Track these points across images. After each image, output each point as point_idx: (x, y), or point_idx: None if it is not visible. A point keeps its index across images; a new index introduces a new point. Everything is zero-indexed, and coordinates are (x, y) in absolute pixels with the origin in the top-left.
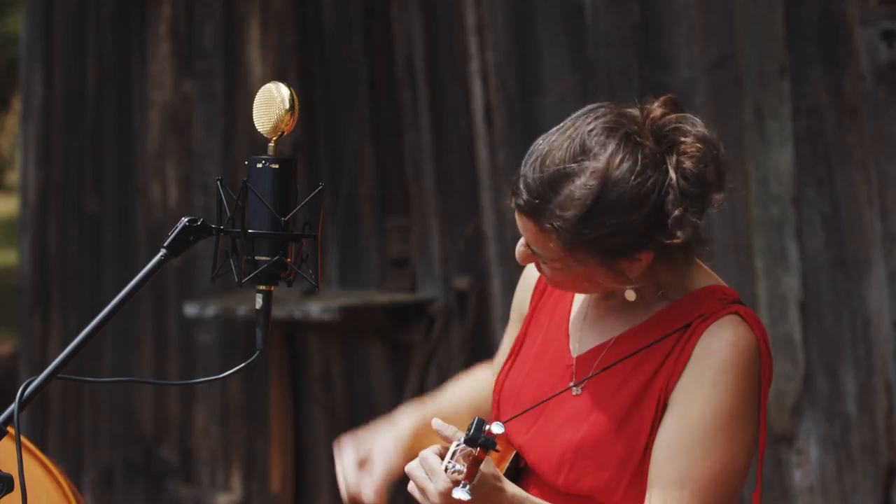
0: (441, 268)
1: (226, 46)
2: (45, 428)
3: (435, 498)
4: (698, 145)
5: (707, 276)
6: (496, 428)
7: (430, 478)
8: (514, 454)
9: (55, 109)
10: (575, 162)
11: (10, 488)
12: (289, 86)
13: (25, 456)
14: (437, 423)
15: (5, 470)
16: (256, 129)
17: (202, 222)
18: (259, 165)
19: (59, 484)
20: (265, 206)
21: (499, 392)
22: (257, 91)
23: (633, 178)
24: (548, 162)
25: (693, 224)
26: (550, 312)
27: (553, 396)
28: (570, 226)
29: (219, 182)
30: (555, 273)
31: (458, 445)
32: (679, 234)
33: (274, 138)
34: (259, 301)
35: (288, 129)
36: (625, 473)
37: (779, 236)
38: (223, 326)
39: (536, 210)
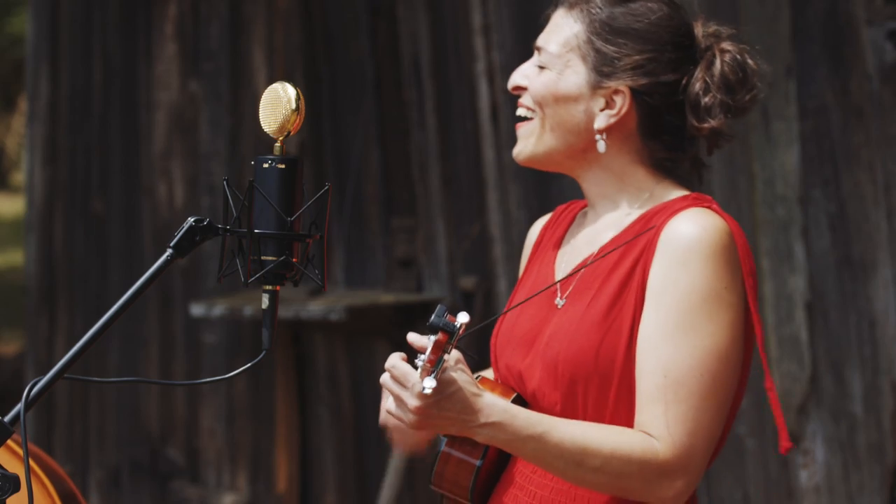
0: (447, 268)
1: (232, 47)
2: (51, 428)
3: (411, 401)
4: (736, 54)
5: (688, 192)
6: (461, 316)
7: (402, 384)
8: (514, 396)
9: (61, 110)
10: None
11: (16, 488)
12: (295, 86)
13: (9, 457)
14: (411, 336)
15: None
16: (263, 130)
17: (208, 222)
18: (265, 165)
19: (44, 487)
20: (271, 206)
21: (494, 342)
22: (263, 91)
23: (660, 19)
24: None
25: (721, 118)
26: (541, 259)
27: (534, 295)
28: (598, 9)
29: (225, 182)
30: (532, 86)
31: (428, 343)
32: (710, 120)
33: (280, 138)
34: (265, 301)
35: (294, 130)
36: (611, 375)
37: (785, 237)
38: (229, 326)
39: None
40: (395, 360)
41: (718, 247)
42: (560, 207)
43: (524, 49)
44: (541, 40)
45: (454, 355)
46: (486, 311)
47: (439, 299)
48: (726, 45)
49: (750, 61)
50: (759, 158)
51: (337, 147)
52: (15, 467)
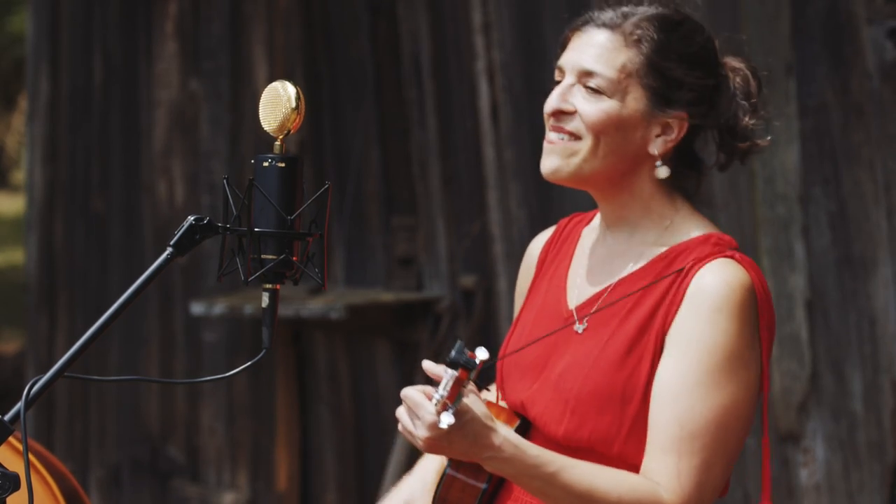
0: (447, 266)
1: (232, 45)
2: (51, 426)
3: (423, 432)
4: (744, 70)
5: (706, 225)
6: (480, 352)
7: (416, 413)
8: (517, 424)
9: (61, 108)
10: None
11: (16, 487)
12: (295, 84)
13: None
14: (426, 364)
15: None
16: (263, 128)
17: (208, 221)
18: (265, 164)
19: (48, 486)
20: (271, 204)
21: (501, 364)
22: (263, 90)
23: (705, 41)
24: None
25: (761, 135)
26: (550, 277)
27: (550, 334)
28: (653, 34)
29: (225, 181)
30: (591, 115)
31: (445, 376)
32: (753, 139)
33: (280, 137)
34: (265, 300)
35: (294, 128)
36: (624, 419)
37: (785, 235)
38: (229, 325)
39: (621, 22)
40: (411, 391)
41: (743, 306)
42: (563, 222)
43: (524, 48)
44: (585, 63)
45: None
46: (487, 310)
47: (439, 298)
48: (733, 62)
49: (758, 75)
50: (760, 157)
51: (337, 145)
52: (16, 466)
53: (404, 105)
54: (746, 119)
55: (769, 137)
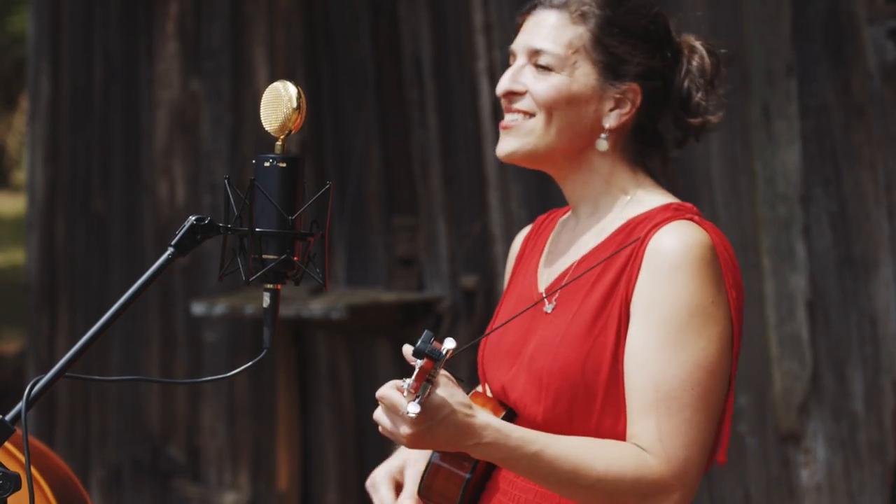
0: (448, 267)
1: (233, 45)
2: (52, 426)
3: (404, 428)
4: (700, 48)
5: (668, 197)
6: (448, 342)
7: (395, 412)
8: (503, 414)
9: (62, 108)
10: None
11: (16, 487)
12: (296, 84)
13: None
14: (405, 349)
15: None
16: (264, 128)
17: (210, 221)
18: (266, 164)
19: (39, 486)
20: (272, 204)
21: (482, 354)
22: (264, 90)
23: (654, 16)
24: None
25: (714, 112)
26: (525, 269)
27: (517, 315)
28: (598, 10)
29: (226, 181)
30: (541, 91)
31: (415, 366)
32: (705, 116)
33: (281, 137)
34: (266, 300)
35: (295, 128)
36: (597, 390)
37: (786, 235)
38: (230, 325)
39: (568, 1)
40: (386, 390)
41: (703, 262)
42: (540, 218)
43: None
44: (534, 42)
45: (446, 376)
46: (487, 310)
47: (440, 298)
48: (691, 40)
49: (715, 53)
50: (761, 157)
51: (338, 145)
52: (12, 467)
53: (405, 105)
54: (699, 96)
55: (721, 114)
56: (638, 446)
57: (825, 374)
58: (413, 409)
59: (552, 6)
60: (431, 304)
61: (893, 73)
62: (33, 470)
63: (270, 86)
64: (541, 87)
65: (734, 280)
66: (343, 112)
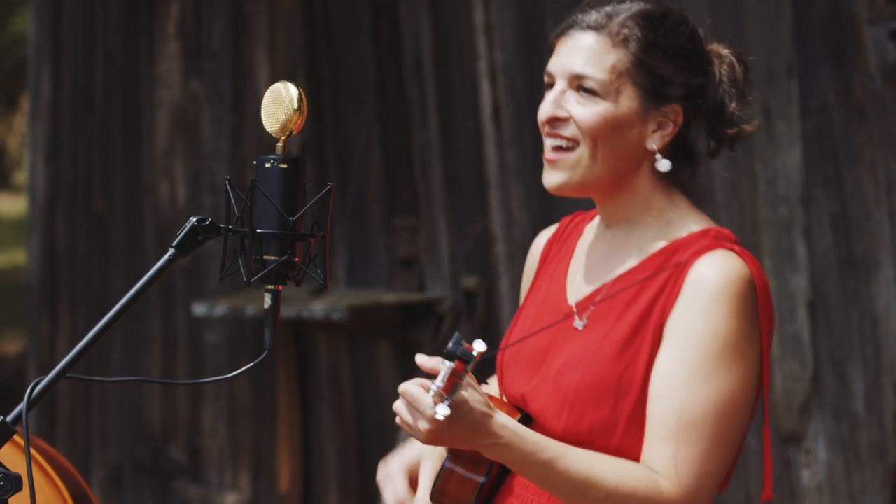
0: (449, 267)
1: (234, 46)
2: (53, 427)
3: (423, 424)
4: (730, 56)
5: (705, 220)
6: (478, 344)
7: (415, 406)
8: (518, 418)
9: (63, 109)
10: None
11: (18, 488)
12: (297, 85)
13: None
14: (420, 358)
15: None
16: (265, 129)
17: (211, 222)
18: (267, 165)
19: (55, 486)
20: (273, 205)
21: (501, 358)
22: (265, 91)
23: (690, 32)
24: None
25: (750, 121)
26: (551, 274)
27: (549, 326)
28: (639, 32)
29: (227, 181)
30: (586, 119)
31: (443, 367)
32: (740, 125)
33: (282, 138)
34: (267, 301)
35: (296, 129)
36: (623, 412)
37: (787, 236)
38: (231, 326)
39: (606, 23)
40: (409, 385)
41: (741, 297)
42: (565, 220)
43: (526, 48)
44: (575, 67)
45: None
46: (489, 310)
47: (441, 298)
48: (719, 49)
49: (743, 60)
50: (762, 158)
51: (339, 146)
52: (21, 466)
53: (406, 105)
54: (733, 105)
55: (756, 122)
56: (652, 469)
57: (826, 374)
58: (443, 410)
59: (589, 27)
60: (432, 305)
61: (894, 73)
62: (48, 468)
63: (271, 87)
64: (586, 114)
65: (767, 315)
66: (344, 112)
